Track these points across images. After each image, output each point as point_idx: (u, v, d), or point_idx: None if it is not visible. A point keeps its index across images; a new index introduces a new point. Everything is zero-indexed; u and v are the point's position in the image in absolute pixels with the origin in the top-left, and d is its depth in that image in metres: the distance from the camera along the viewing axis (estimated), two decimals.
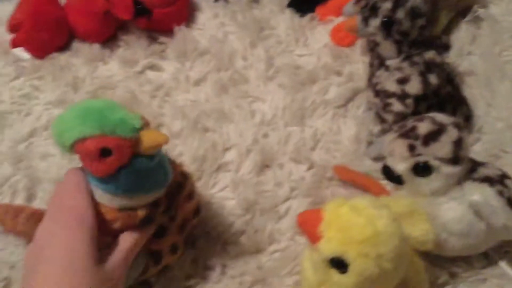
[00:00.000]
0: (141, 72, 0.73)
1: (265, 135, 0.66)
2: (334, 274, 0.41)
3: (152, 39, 0.76)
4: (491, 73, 0.67)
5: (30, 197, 0.62)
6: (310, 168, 0.63)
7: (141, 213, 0.47)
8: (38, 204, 0.61)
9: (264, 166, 0.63)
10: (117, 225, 0.46)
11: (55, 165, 0.64)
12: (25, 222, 0.55)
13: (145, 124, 0.44)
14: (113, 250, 0.45)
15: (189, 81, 0.72)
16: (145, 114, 0.66)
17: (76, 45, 0.75)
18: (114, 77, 0.72)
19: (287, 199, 0.61)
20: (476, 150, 0.61)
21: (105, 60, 0.75)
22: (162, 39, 0.75)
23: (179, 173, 0.52)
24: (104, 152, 0.42)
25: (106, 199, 0.45)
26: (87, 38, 0.75)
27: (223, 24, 0.77)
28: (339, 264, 0.41)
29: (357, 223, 0.40)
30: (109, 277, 0.43)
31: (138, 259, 0.49)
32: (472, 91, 0.66)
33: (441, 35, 0.66)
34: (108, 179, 0.43)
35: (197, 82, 0.72)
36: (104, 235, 0.46)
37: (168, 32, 0.75)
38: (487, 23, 0.72)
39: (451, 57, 0.68)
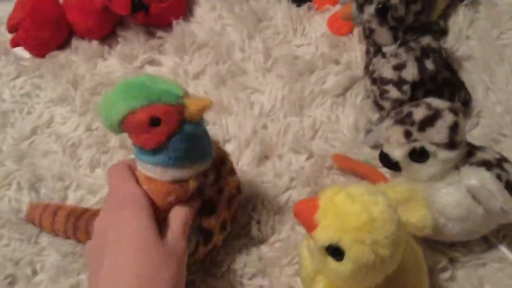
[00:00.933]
0: (140, 67, 0.74)
1: (264, 126, 0.66)
2: (331, 262, 0.41)
3: (150, 34, 0.76)
4: (489, 57, 0.67)
5: (34, 193, 0.62)
6: (309, 158, 0.63)
7: (193, 183, 0.47)
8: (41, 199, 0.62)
9: (263, 157, 0.64)
10: (171, 198, 0.47)
11: (58, 162, 0.65)
12: (63, 220, 0.57)
13: (186, 93, 0.45)
14: (169, 226, 0.46)
15: (188, 75, 0.72)
16: None
17: (76, 42, 0.76)
18: (113, 73, 0.73)
19: (287, 189, 0.61)
20: (475, 134, 0.61)
21: (105, 57, 0.75)
22: (160, 33, 0.75)
23: (218, 148, 0.53)
24: (154, 122, 0.43)
25: (158, 172, 0.46)
26: (86, 35, 0.75)
27: (220, 16, 0.77)
28: (335, 252, 0.41)
29: (352, 210, 0.40)
30: (173, 252, 0.44)
31: (189, 237, 0.49)
32: (470, 75, 0.66)
33: (438, 20, 0.65)
34: (159, 151, 0.45)
35: (196, 76, 0.72)
36: (158, 212, 0.47)
37: (166, 26, 0.76)
38: (484, 6, 0.71)
39: (449, 41, 0.68)
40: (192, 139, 0.45)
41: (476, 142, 0.55)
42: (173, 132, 0.44)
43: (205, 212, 0.51)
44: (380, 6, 0.58)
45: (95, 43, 0.75)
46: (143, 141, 0.44)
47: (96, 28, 0.74)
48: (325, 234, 0.41)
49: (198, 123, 0.46)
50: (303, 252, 0.47)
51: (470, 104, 0.63)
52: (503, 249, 0.53)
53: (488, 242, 0.54)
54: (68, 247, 0.58)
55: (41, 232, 0.59)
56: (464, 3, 0.71)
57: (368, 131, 0.63)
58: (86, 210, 0.58)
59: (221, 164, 0.53)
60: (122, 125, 0.44)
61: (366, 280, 0.43)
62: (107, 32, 0.76)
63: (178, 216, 0.47)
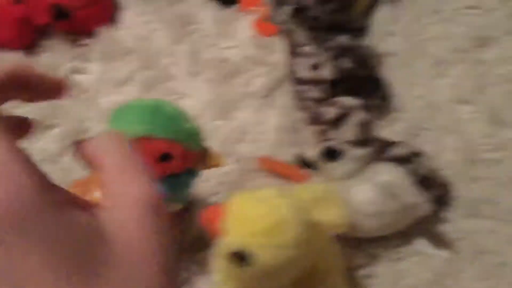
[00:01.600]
0: (65, 76, 0.72)
1: None
2: (238, 268, 0.41)
3: (75, 41, 0.74)
4: (411, 52, 0.68)
5: None
6: (236, 161, 0.63)
7: None
8: None
9: None
10: None
11: None
12: None
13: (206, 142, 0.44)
14: None
15: (114, 82, 0.70)
16: (70, 119, 0.66)
17: None
18: None
19: (214, 193, 0.60)
20: (396, 129, 0.61)
21: None
22: (85, 41, 0.74)
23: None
24: (164, 157, 0.41)
25: None
26: (7, 46, 0.73)
27: (147, 22, 0.76)
28: (242, 257, 0.40)
29: (258, 213, 0.40)
30: None
31: None
32: (392, 71, 0.67)
33: (358, 17, 0.66)
34: None
35: (123, 83, 0.71)
36: None
37: (91, 33, 0.74)
38: (407, 2, 0.72)
39: (372, 39, 0.69)
40: (185, 185, 0.45)
41: (397, 137, 0.56)
42: (175, 173, 0.43)
43: None
44: (296, 6, 0.58)
45: (17, 54, 0.73)
46: None
47: (16, 38, 0.72)
48: (232, 240, 0.40)
49: (196, 173, 0.45)
50: (215, 259, 0.47)
51: (389, 100, 0.64)
52: (420, 242, 0.54)
53: (405, 236, 0.55)
54: None
55: None
56: None
57: (294, 131, 0.63)
58: None
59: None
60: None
61: (276, 282, 0.42)
62: (29, 42, 0.74)
63: None
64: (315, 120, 0.50)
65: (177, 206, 0.48)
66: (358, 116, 0.48)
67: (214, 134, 0.65)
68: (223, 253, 0.41)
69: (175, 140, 0.41)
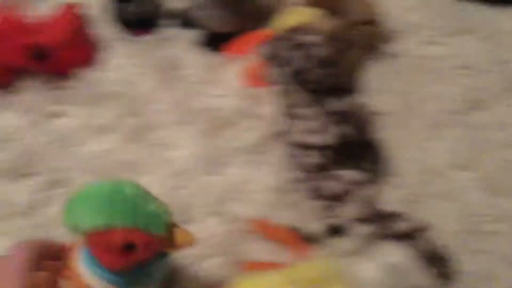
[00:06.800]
0: (43, 121, 0.67)
1: (180, 187, 0.62)
2: None
3: (55, 83, 0.70)
4: (403, 112, 0.67)
5: None
6: (227, 221, 0.59)
7: None
8: None
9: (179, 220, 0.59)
10: None
11: None
12: None
13: (173, 221, 0.42)
14: None
15: (96, 129, 0.67)
16: (48, 168, 0.62)
17: None
18: (10, 128, 0.66)
19: (203, 257, 0.57)
20: (393, 196, 0.60)
21: (4, 110, 0.68)
22: (66, 83, 0.69)
23: None
24: (128, 247, 0.38)
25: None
26: None
27: (133, 65, 0.72)
28: None
29: None
30: None
31: None
32: (386, 131, 0.65)
33: (348, 78, 0.64)
34: (118, 272, 0.40)
35: (105, 130, 0.67)
36: None
37: (72, 75, 0.70)
38: (395, 59, 0.71)
39: (363, 98, 0.67)
40: (156, 270, 0.43)
41: (393, 205, 0.54)
42: (143, 261, 0.40)
43: None
44: (296, 68, 0.56)
45: None
46: (107, 261, 0.39)
47: None
48: None
49: (166, 255, 0.43)
50: None
51: (383, 165, 0.62)
52: None
53: None
54: None
55: None
56: (374, 57, 0.71)
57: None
58: None
59: None
60: (85, 234, 0.38)
61: None
62: (5, 83, 0.68)
63: None
64: (317, 194, 0.48)
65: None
66: (363, 192, 0.46)
67: (203, 191, 0.62)
68: None
69: (137, 227, 0.38)
